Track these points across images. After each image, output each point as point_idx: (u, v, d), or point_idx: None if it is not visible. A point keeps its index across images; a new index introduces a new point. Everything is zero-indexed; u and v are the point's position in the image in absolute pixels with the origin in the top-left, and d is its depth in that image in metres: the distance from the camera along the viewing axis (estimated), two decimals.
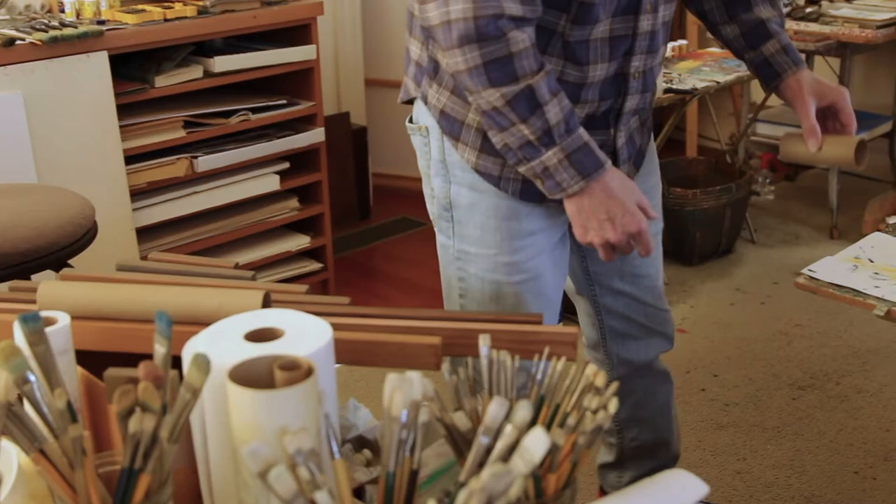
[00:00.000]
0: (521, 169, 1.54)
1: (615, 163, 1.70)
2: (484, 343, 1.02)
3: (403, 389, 0.88)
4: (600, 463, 2.28)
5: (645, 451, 2.19)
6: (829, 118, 1.75)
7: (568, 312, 2.10)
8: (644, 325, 2.01)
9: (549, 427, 1.01)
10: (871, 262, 1.81)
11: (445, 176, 1.73)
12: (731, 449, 2.69)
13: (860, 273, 1.76)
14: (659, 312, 2.00)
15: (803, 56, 1.81)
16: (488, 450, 0.85)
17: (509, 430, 0.84)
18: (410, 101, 1.80)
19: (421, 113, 1.74)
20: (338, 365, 1.22)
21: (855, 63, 4.45)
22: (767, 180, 4.57)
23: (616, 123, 1.70)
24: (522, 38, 1.44)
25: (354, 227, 4.37)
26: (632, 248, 1.56)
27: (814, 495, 2.50)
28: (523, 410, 0.86)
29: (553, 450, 0.91)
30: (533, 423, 0.96)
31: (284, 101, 3.39)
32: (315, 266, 3.63)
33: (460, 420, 0.94)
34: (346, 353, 1.12)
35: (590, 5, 1.53)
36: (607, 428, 2.13)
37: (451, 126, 1.68)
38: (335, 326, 1.02)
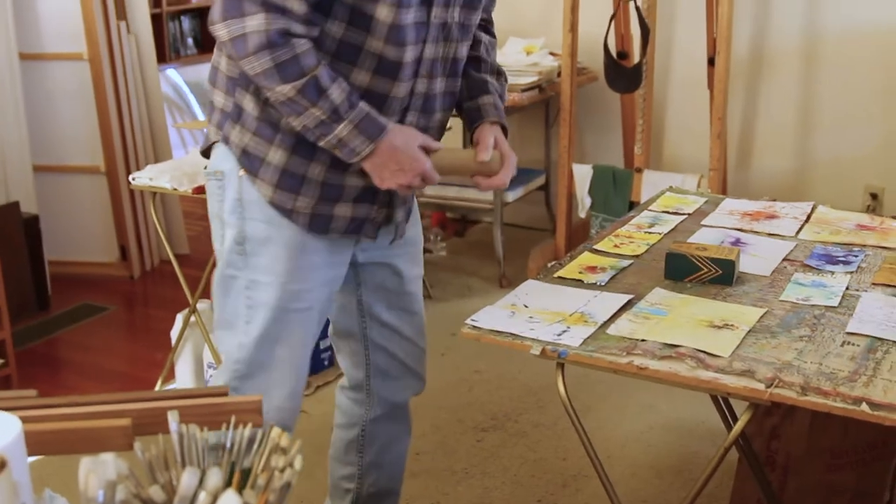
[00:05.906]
0: (321, 143, 1.80)
1: (391, 221, 2.02)
2: (173, 419, 1.08)
3: (98, 471, 0.94)
4: None
5: (378, 499, 2.33)
6: None
7: None
8: (403, 362, 2.21)
9: (242, 490, 1.08)
10: (526, 307, 2.00)
11: (241, 213, 1.92)
12: (426, 494, 2.84)
13: (517, 318, 1.94)
14: (417, 350, 2.22)
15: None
16: None
17: (203, 497, 0.91)
18: (208, 151, 2.01)
19: (220, 157, 1.96)
20: (35, 458, 1.24)
21: (509, 123, 4.79)
22: (438, 237, 4.83)
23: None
24: (303, 42, 1.73)
25: (33, 319, 4.21)
26: (423, 184, 1.88)
27: None
28: (214, 477, 0.94)
29: None
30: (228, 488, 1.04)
31: None
32: None
33: (156, 493, 1.00)
34: (38, 444, 1.14)
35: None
36: (348, 473, 2.29)
37: (250, 163, 1.91)
38: (24, 419, 1.05)
